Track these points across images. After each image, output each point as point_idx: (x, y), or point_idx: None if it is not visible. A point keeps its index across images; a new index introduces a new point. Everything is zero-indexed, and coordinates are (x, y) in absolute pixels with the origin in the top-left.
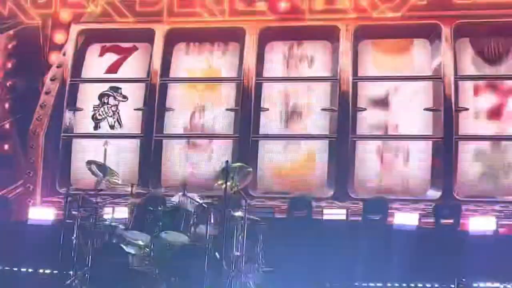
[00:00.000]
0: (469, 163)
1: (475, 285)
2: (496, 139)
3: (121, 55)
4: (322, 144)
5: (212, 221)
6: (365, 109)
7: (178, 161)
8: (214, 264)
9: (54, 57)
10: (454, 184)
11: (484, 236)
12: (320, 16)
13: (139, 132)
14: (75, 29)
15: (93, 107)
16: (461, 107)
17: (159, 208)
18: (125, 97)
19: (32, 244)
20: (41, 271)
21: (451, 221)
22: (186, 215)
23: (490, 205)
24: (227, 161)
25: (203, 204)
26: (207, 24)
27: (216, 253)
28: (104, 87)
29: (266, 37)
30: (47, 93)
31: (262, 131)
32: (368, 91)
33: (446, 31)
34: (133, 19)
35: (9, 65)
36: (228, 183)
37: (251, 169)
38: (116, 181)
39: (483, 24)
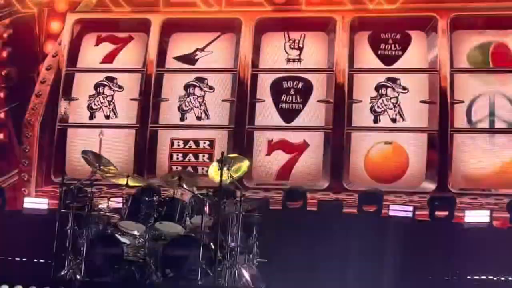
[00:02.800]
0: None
1: (468, 277)
2: (490, 132)
3: (117, 45)
4: (317, 135)
5: (207, 212)
6: (360, 101)
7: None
8: (208, 255)
9: (49, 46)
10: (449, 176)
11: (479, 228)
12: (316, 7)
13: (135, 122)
14: (71, 18)
15: (89, 97)
16: (457, 100)
17: (154, 199)
18: (120, 87)
19: (27, 234)
20: (35, 261)
21: (446, 213)
22: (181, 205)
23: (484, 197)
24: (222, 152)
25: (199, 195)
26: (203, 14)
27: (211, 244)
28: (100, 77)
29: (263, 27)
30: (42, 82)
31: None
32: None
33: (442, 23)
34: (129, 8)
35: (5, 54)
36: (224, 174)
37: (247, 161)
38: (111, 171)
39: (479, 17)
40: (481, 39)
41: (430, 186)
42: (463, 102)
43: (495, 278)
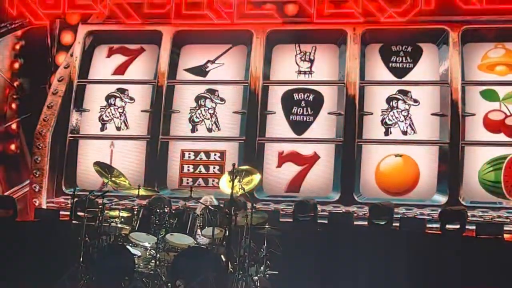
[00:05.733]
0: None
1: None
2: (501, 145)
3: (128, 57)
4: (328, 148)
5: (218, 223)
6: (371, 114)
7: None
8: (219, 267)
9: (61, 58)
10: (460, 189)
11: (490, 242)
12: (327, 20)
13: (146, 134)
14: (82, 30)
15: (100, 108)
16: (468, 113)
17: (165, 210)
18: (132, 98)
19: (38, 245)
20: (46, 272)
21: (457, 226)
22: (192, 217)
23: (496, 211)
24: (233, 164)
25: (210, 207)
26: (214, 27)
27: (222, 256)
28: (111, 88)
29: (274, 39)
30: (54, 93)
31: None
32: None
33: (453, 36)
34: (140, 20)
35: (17, 65)
36: (235, 186)
37: (258, 173)
38: (122, 182)
39: (490, 30)
40: None
41: (441, 198)
42: (474, 115)
43: None
